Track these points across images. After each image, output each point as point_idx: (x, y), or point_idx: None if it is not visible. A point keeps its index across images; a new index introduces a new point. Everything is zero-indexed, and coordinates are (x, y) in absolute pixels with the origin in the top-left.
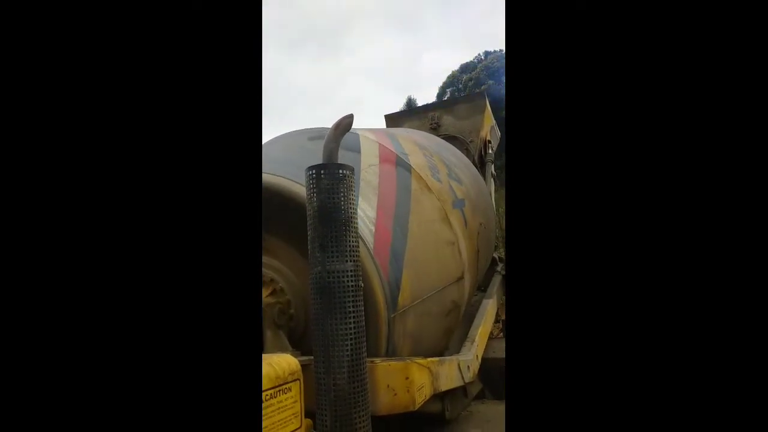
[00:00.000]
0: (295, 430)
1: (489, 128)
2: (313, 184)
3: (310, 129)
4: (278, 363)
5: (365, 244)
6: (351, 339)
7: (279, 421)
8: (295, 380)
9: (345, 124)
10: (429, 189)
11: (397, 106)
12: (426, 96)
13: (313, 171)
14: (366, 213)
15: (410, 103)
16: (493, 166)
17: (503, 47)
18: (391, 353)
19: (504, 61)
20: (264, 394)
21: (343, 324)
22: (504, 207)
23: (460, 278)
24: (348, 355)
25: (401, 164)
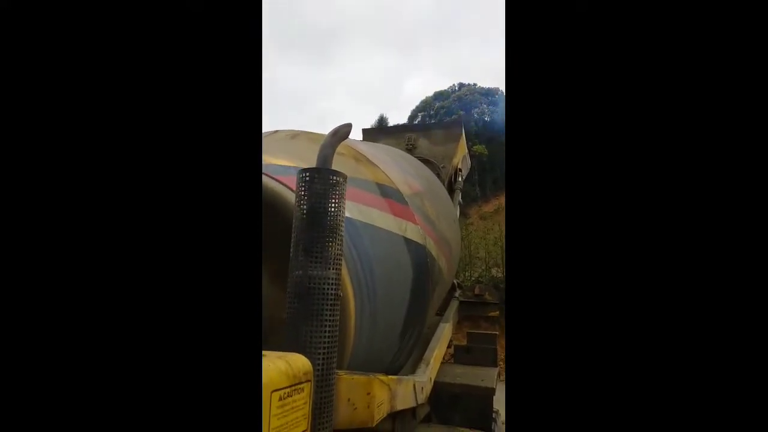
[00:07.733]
0: (304, 431)
1: (461, 157)
2: (304, 187)
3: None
4: (294, 362)
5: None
6: (324, 348)
7: (292, 420)
8: (307, 381)
9: (343, 132)
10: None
11: (371, 122)
12: (399, 117)
13: (306, 174)
14: None
15: (382, 121)
16: (460, 194)
17: (478, 81)
18: None
19: (476, 95)
20: (281, 392)
21: (318, 332)
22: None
23: None
24: (319, 364)
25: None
